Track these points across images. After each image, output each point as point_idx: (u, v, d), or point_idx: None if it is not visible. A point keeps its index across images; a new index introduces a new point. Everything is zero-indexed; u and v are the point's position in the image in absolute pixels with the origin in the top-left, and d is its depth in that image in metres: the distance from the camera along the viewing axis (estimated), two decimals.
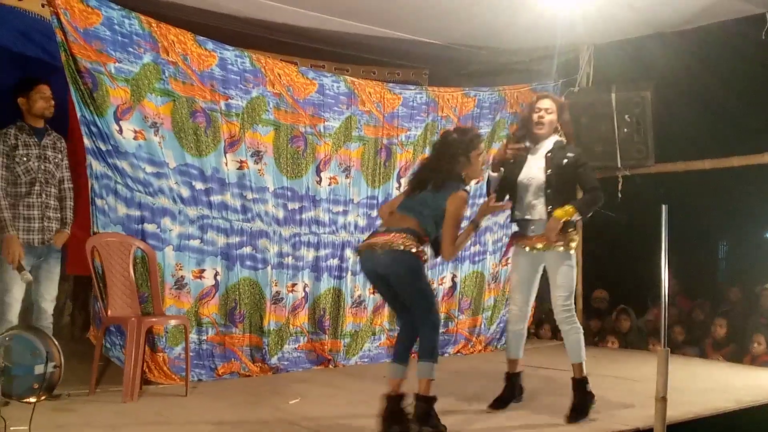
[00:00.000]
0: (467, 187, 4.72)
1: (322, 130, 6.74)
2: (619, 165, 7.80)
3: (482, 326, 7.86)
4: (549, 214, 4.88)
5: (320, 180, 6.78)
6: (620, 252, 10.46)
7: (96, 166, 5.66)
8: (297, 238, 6.66)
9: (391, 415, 4.49)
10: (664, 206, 4.49)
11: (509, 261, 5.23)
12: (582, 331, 5.06)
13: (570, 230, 4.94)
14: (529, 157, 5.05)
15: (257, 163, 6.40)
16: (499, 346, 7.94)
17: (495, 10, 6.95)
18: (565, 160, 4.95)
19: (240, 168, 6.32)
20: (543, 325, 8.70)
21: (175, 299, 6.01)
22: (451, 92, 7.52)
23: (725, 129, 8.29)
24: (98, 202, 5.68)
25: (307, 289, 6.72)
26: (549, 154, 4.99)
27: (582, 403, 4.94)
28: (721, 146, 7.99)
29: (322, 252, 6.80)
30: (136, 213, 5.82)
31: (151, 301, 5.74)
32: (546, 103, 5.05)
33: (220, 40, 6.23)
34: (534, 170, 4.99)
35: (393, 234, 4.54)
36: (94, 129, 5.61)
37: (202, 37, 6.06)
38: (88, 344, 5.80)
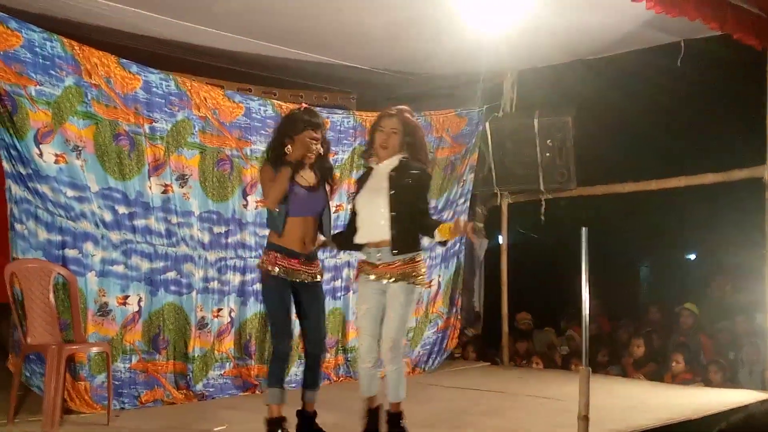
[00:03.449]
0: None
1: (248, 153, 6.71)
2: (542, 188, 7.98)
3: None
4: (396, 237, 4.51)
5: (246, 203, 6.73)
6: (543, 274, 10.62)
7: (16, 190, 5.55)
8: (223, 263, 6.61)
9: None
10: (583, 229, 4.62)
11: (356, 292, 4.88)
12: (404, 371, 4.71)
13: (418, 260, 4.59)
14: (371, 177, 4.73)
15: (182, 187, 6.33)
16: (426, 369, 8.00)
17: (421, 37, 7.05)
18: (409, 180, 4.58)
19: (165, 192, 6.24)
20: (468, 347, 8.77)
21: (98, 326, 5.89)
22: None
23: (644, 153, 8.56)
24: (18, 227, 5.56)
25: (233, 314, 6.66)
26: (393, 173, 4.62)
27: None
28: (640, 170, 8.24)
29: (249, 276, 6.75)
30: (57, 238, 5.71)
31: (73, 329, 5.62)
32: (392, 123, 4.66)
33: (145, 64, 6.16)
34: (375, 190, 4.63)
35: None
36: (13, 152, 5.51)
37: (125, 60, 5.98)
38: (7, 373, 5.64)
